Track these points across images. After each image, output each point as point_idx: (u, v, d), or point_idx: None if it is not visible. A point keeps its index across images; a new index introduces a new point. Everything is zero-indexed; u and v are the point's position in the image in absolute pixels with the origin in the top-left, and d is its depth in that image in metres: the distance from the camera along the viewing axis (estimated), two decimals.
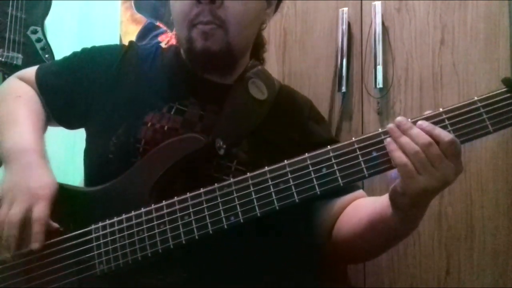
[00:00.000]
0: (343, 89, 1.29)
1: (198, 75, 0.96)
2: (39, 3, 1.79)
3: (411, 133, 0.71)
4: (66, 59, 1.05)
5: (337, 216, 0.93)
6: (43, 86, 1.01)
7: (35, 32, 1.75)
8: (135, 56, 1.00)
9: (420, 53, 1.24)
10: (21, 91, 1.01)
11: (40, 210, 0.81)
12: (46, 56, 1.76)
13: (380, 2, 1.27)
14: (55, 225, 0.83)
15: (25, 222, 0.80)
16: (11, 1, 1.68)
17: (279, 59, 1.43)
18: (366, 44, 1.30)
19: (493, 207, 1.12)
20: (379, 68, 1.25)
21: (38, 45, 1.75)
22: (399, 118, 0.73)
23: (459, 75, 1.18)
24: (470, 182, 1.14)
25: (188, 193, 0.79)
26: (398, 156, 0.71)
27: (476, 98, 0.72)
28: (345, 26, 1.31)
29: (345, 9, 1.32)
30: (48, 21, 1.82)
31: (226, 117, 0.90)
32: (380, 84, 1.25)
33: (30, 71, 1.04)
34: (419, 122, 0.72)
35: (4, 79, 1.68)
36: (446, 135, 0.70)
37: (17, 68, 1.67)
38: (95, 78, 0.97)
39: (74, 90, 0.98)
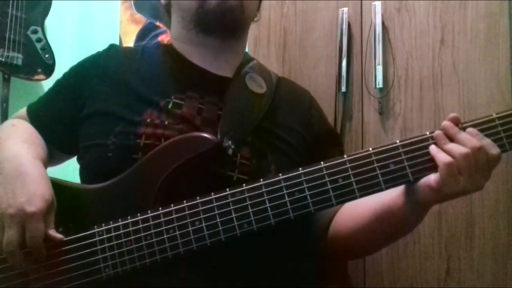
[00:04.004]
0: (343, 89, 1.30)
1: (196, 66, 0.96)
2: (39, 3, 1.79)
3: (460, 137, 0.73)
4: (50, 89, 1.04)
5: (333, 212, 0.94)
6: (35, 119, 1.00)
7: (35, 32, 1.75)
8: (118, 54, 1.00)
9: (420, 53, 1.24)
10: (14, 121, 1.00)
11: (33, 232, 0.77)
12: (46, 56, 1.76)
13: (380, 2, 1.27)
14: (59, 236, 0.79)
15: (23, 242, 0.77)
16: (11, 1, 1.68)
17: (279, 59, 1.43)
18: (366, 44, 1.30)
19: (493, 207, 1.12)
20: (379, 68, 1.25)
21: (38, 45, 1.75)
22: (445, 123, 0.74)
23: (459, 75, 1.18)
24: None
25: (198, 197, 0.78)
26: (443, 155, 0.72)
27: None
28: (345, 26, 1.31)
29: (345, 9, 1.32)
30: (48, 21, 1.82)
31: (228, 114, 0.89)
32: (380, 84, 1.25)
33: (22, 110, 1.04)
34: (469, 129, 0.73)
35: (4, 79, 1.68)
36: (494, 147, 0.72)
37: (17, 68, 1.68)
38: (81, 90, 0.95)
39: (65, 114, 0.96)
